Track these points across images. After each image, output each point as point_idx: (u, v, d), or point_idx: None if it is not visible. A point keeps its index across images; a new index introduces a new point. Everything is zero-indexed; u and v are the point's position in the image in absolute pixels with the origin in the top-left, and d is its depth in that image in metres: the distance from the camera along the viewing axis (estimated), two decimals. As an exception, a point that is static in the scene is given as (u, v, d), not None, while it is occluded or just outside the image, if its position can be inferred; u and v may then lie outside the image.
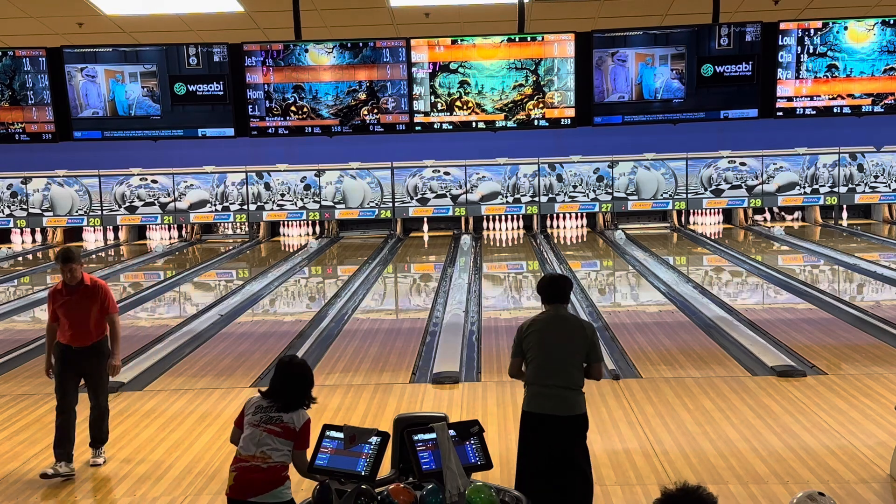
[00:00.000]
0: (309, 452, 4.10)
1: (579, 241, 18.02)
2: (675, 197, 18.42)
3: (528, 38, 8.60)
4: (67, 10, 10.40)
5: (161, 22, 10.92)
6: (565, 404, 4.59)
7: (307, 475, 4.02)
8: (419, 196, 18.45)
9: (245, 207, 18.73)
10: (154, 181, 18.72)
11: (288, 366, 4.19)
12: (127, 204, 18.72)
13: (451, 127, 8.71)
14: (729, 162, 18.37)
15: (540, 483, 4.61)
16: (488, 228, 18.83)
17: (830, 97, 8.45)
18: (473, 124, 8.67)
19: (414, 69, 8.56)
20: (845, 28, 8.34)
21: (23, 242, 19.46)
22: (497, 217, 18.75)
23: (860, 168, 18.30)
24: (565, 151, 18.22)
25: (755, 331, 9.11)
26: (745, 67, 8.38)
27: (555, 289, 4.75)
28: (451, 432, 4.01)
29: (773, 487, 5.20)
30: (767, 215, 19.31)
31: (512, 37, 8.61)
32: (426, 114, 8.63)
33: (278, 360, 4.27)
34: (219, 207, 18.74)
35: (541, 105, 8.57)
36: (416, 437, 4.00)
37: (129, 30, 11.19)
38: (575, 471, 4.61)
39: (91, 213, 18.78)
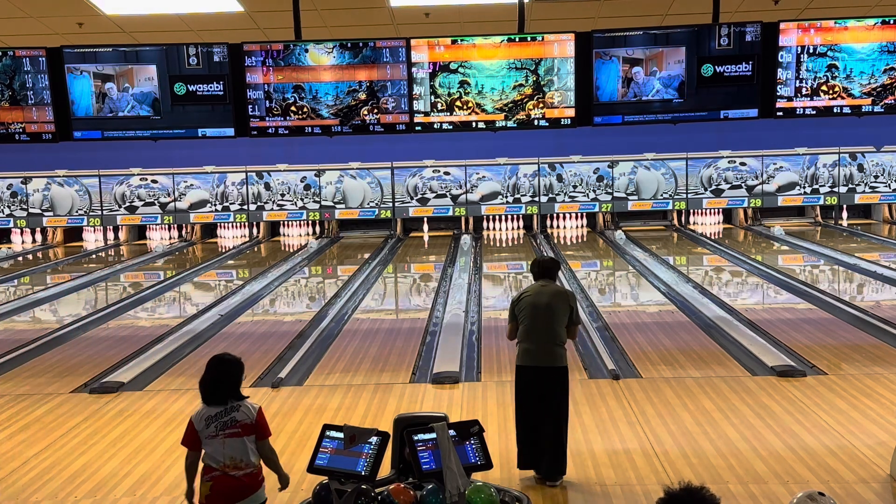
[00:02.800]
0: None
1: (579, 241, 18.02)
2: (675, 197, 18.42)
3: (528, 38, 8.60)
4: (67, 10, 10.41)
5: (161, 22, 10.92)
6: (553, 357, 5.40)
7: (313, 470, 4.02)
8: (419, 196, 18.45)
9: (245, 207, 18.73)
10: (154, 181, 18.72)
11: (221, 363, 4.17)
12: (127, 204, 18.72)
13: (451, 127, 8.71)
14: (729, 162, 18.37)
15: (532, 427, 5.41)
16: (488, 228, 18.82)
17: (830, 97, 8.46)
18: (473, 124, 8.67)
19: (414, 69, 8.56)
20: (845, 28, 8.34)
21: (23, 242, 19.46)
22: (497, 217, 18.75)
23: (860, 168, 18.30)
24: (565, 151, 18.23)
25: (755, 331, 9.11)
26: (745, 67, 8.38)
27: (545, 270, 5.67)
28: (451, 432, 4.02)
29: (773, 487, 5.20)
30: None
31: (512, 37, 8.61)
32: (426, 114, 8.64)
33: (210, 359, 4.22)
34: (219, 207, 18.74)
35: (541, 105, 8.57)
36: (416, 437, 4.01)
37: (129, 30, 11.19)
38: (559, 415, 5.39)
39: (91, 213, 18.78)
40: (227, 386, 4.11)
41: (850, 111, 8.50)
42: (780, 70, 8.40)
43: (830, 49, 8.36)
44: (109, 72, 8.61)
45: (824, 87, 8.45)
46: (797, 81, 8.41)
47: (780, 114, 8.53)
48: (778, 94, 8.46)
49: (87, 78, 8.59)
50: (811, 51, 8.38)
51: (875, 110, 8.48)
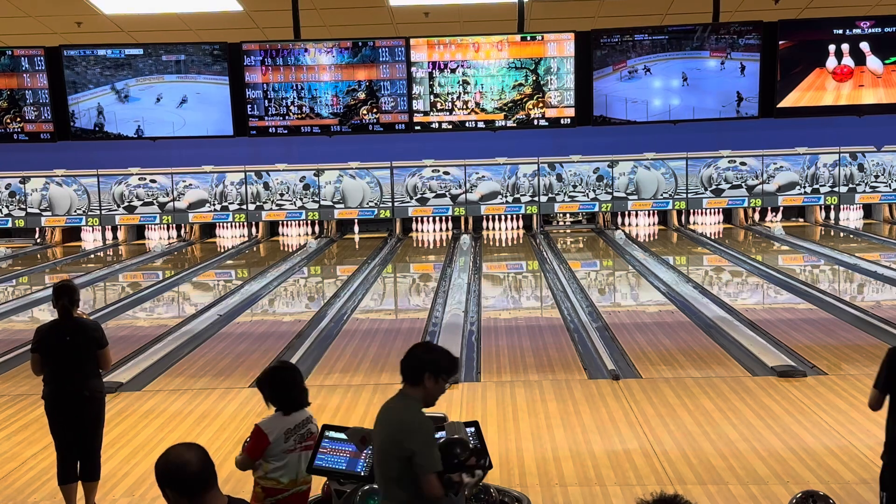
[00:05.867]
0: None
1: (580, 241, 18.00)
2: (676, 197, 18.40)
3: (528, 38, 8.58)
4: (66, 10, 10.39)
5: (160, 21, 10.91)
6: None
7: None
8: (419, 196, 18.43)
9: (244, 207, 18.71)
10: (153, 181, 18.70)
11: (288, 371, 4.12)
12: (125, 204, 18.70)
13: (450, 126, 8.69)
14: (729, 162, 18.36)
15: None
16: (488, 228, 18.81)
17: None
18: (473, 124, 8.65)
19: (413, 69, 8.55)
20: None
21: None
22: (497, 217, 18.73)
23: (860, 168, 18.29)
24: (565, 151, 18.21)
25: (755, 331, 9.10)
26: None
27: None
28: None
29: (773, 488, 5.19)
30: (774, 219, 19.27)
31: (512, 36, 8.59)
32: (425, 113, 8.62)
33: (272, 372, 4.13)
34: (217, 207, 18.72)
35: (540, 104, 8.56)
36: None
37: (128, 29, 11.18)
38: None
39: (90, 213, 18.75)
40: (300, 392, 4.05)
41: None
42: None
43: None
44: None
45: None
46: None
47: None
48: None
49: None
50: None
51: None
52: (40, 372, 5.19)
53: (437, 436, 3.97)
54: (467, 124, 8.65)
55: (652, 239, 17.56)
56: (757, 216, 19.12)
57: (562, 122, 8.63)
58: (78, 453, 5.17)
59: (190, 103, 8.61)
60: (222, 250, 17.92)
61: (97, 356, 5.23)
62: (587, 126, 8.76)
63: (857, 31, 8.29)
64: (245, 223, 19.09)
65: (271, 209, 18.71)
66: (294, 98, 8.61)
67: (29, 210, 18.80)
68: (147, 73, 8.52)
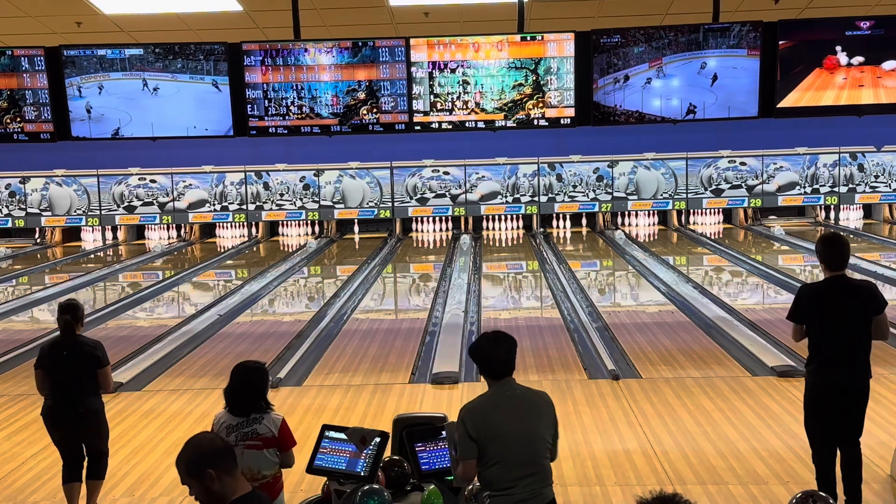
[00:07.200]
0: (298, 449, 4.08)
1: (580, 241, 18.00)
2: (675, 197, 18.40)
3: (528, 38, 8.59)
4: (66, 10, 10.40)
5: (160, 21, 10.92)
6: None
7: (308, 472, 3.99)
8: (419, 196, 18.43)
9: (244, 207, 18.71)
10: (153, 181, 18.69)
11: (245, 371, 4.08)
12: (125, 204, 18.69)
13: (450, 126, 8.70)
14: (729, 162, 18.36)
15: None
16: (488, 228, 18.81)
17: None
18: (473, 124, 8.65)
19: (413, 69, 8.55)
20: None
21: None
22: (496, 217, 18.73)
23: (860, 168, 18.29)
24: (565, 151, 18.21)
25: (755, 331, 9.10)
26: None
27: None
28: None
29: (773, 488, 5.19)
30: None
31: (512, 36, 8.59)
32: (425, 113, 8.62)
33: (234, 367, 4.11)
34: (217, 207, 18.72)
35: (540, 104, 8.56)
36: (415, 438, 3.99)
37: (128, 29, 11.18)
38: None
39: (90, 213, 18.75)
40: (251, 396, 4.03)
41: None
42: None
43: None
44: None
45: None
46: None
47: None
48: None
49: None
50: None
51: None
52: (43, 389, 5.17)
53: (442, 435, 3.99)
54: (467, 124, 8.66)
55: (652, 239, 17.56)
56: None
57: (562, 122, 8.64)
58: (83, 458, 5.19)
59: (189, 103, 8.62)
60: (222, 250, 17.92)
61: (96, 375, 5.18)
62: (587, 126, 8.77)
63: (858, 31, 8.29)
64: (245, 223, 19.10)
65: (271, 209, 18.71)
66: (294, 98, 8.61)
67: (29, 210, 18.80)
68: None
